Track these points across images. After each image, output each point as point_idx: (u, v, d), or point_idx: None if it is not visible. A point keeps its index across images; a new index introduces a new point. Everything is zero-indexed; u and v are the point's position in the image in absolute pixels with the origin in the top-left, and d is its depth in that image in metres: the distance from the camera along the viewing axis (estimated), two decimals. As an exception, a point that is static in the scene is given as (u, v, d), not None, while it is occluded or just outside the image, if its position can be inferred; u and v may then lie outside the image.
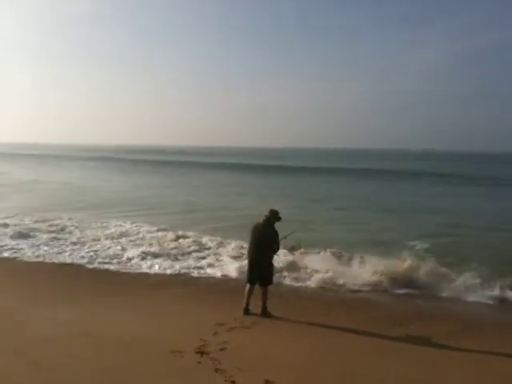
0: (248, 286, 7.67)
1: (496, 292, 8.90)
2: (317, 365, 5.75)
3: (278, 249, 7.64)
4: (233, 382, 5.09)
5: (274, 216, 7.62)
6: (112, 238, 13.36)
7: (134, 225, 15.56)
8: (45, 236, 13.49)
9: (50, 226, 14.99)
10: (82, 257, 11.40)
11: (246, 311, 7.57)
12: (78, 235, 13.73)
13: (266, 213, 7.64)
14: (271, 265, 7.65)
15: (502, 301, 8.72)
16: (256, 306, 7.60)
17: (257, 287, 7.63)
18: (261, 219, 7.64)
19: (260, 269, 7.52)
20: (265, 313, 7.53)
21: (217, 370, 5.34)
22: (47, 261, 11.10)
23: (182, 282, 9.75)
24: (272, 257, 7.61)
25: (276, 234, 7.54)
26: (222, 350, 5.98)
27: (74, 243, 12.73)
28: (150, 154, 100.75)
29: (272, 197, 24.58)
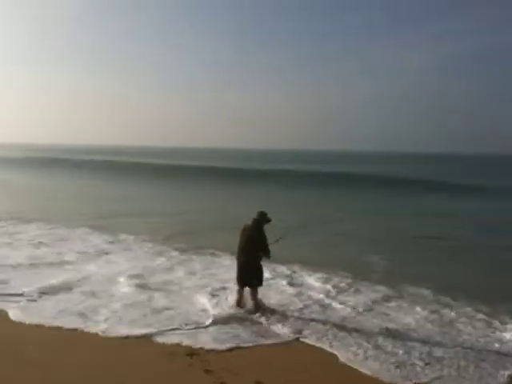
0: (238, 287, 7.69)
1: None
2: (308, 367, 5.78)
3: (268, 252, 7.51)
4: (222, 383, 5.15)
5: (262, 218, 7.62)
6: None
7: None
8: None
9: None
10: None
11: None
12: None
13: (255, 215, 7.66)
14: (260, 267, 7.64)
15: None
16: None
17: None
18: (250, 221, 7.64)
19: (249, 271, 7.55)
20: (257, 309, 7.48)
21: (207, 372, 5.39)
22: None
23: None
24: (261, 259, 7.59)
25: (264, 237, 7.51)
26: (211, 351, 6.02)
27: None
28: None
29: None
